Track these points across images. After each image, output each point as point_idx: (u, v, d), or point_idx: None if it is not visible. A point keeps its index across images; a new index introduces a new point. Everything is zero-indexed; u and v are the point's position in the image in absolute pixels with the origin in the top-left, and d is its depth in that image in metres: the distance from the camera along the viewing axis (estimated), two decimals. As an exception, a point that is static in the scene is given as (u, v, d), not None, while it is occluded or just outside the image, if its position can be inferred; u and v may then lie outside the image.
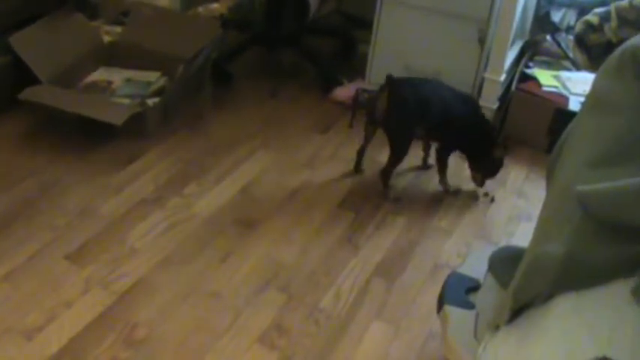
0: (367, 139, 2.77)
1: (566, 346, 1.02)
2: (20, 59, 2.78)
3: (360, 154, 2.82)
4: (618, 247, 1.06)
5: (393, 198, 2.69)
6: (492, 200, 2.74)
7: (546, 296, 1.09)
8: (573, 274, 1.07)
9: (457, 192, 2.77)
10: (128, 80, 3.05)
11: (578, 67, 3.11)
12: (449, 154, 2.76)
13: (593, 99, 1.33)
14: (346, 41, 3.67)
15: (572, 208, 1.12)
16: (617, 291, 1.03)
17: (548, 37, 3.33)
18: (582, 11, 3.11)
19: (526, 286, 1.15)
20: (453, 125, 2.68)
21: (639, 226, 1.04)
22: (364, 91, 3.04)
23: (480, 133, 2.73)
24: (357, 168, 2.83)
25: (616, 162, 1.15)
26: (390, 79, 2.61)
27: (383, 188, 2.70)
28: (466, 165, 2.80)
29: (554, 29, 3.30)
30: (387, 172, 2.69)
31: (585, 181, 1.13)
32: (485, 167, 2.73)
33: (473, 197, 2.75)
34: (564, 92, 3.05)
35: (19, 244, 2.23)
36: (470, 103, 2.79)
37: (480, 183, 2.76)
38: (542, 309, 1.09)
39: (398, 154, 2.68)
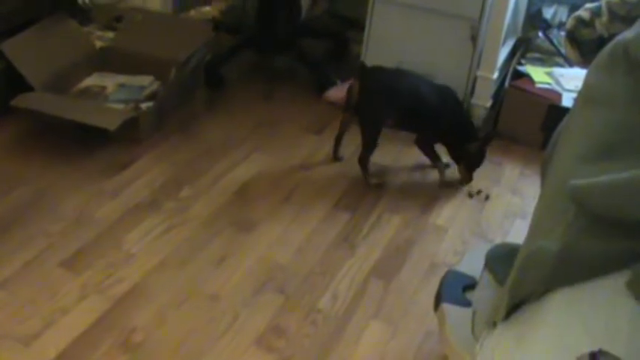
0: (342, 127, 2.83)
1: (563, 341, 1.02)
2: (13, 66, 2.78)
3: (337, 141, 2.86)
4: (612, 241, 1.06)
5: (374, 184, 2.74)
6: (487, 198, 2.74)
7: (542, 292, 1.09)
8: (568, 269, 1.07)
9: (451, 184, 2.78)
10: (121, 85, 3.05)
11: (570, 63, 3.12)
12: (428, 144, 2.81)
13: (585, 94, 1.34)
14: (338, 42, 3.68)
15: (566, 203, 1.12)
16: (612, 285, 1.03)
17: (540, 34, 3.34)
18: (573, 7, 3.11)
19: (521, 282, 1.15)
20: (426, 115, 2.71)
21: (633, 220, 1.05)
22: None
23: (455, 125, 2.75)
24: (335, 155, 2.88)
25: (609, 156, 1.15)
26: (361, 66, 2.70)
27: (363, 175, 2.74)
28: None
29: (545, 26, 3.30)
30: (362, 159, 2.74)
31: (579, 176, 1.13)
32: (464, 159, 2.76)
33: (468, 195, 2.75)
34: (557, 88, 3.06)
35: (14, 251, 2.22)
36: (446, 94, 2.81)
37: (466, 177, 2.77)
38: (538, 304, 1.09)
39: (368, 139, 2.72)
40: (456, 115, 2.79)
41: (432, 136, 2.80)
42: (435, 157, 2.81)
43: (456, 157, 2.79)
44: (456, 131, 2.75)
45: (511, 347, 1.11)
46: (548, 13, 3.31)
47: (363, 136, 2.73)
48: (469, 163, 2.77)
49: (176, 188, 2.60)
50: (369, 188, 2.72)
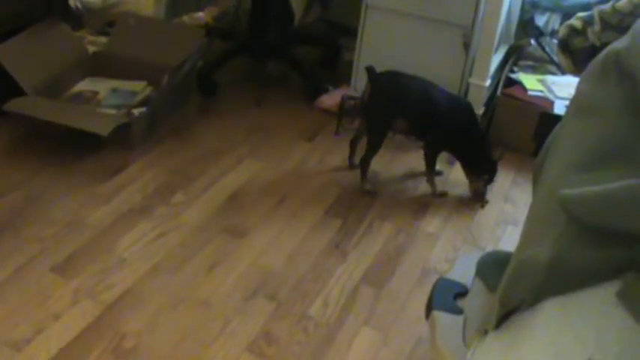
0: (358, 132, 2.86)
1: (554, 351, 1.02)
2: (5, 70, 2.78)
3: (352, 146, 2.87)
4: (603, 250, 1.06)
5: (367, 190, 2.75)
6: (483, 206, 2.73)
7: (533, 300, 1.09)
8: (559, 279, 1.07)
9: (443, 195, 2.78)
10: (114, 90, 3.04)
11: (562, 71, 3.12)
12: (435, 154, 2.78)
13: (577, 103, 1.34)
14: (331, 49, 3.68)
15: (557, 212, 1.12)
16: (603, 294, 1.03)
17: (533, 42, 3.34)
18: (566, 15, 3.12)
19: (512, 291, 1.15)
20: (438, 123, 2.70)
21: (623, 229, 1.05)
22: (350, 98, 3.06)
23: (471, 135, 2.73)
24: (350, 161, 2.89)
25: (600, 166, 1.15)
26: (369, 70, 2.69)
27: (360, 177, 2.75)
28: (455, 170, 2.81)
29: (538, 33, 3.31)
30: (364, 161, 2.75)
31: (569, 185, 1.14)
32: (484, 170, 2.74)
33: (460, 202, 2.76)
34: (549, 96, 3.06)
35: (5, 257, 2.22)
36: (460, 104, 2.80)
37: (482, 193, 2.75)
38: (529, 313, 1.09)
39: (373, 142, 2.73)
40: (468, 126, 2.75)
41: (439, 144, 2.78)
42: (431, 168, 2.78)
43: (472, 173, 2.76)
44: (468, 142, 2.73)
45: (502, 356, 1.11)
46: (540, 20, 3.32)
47: (368, 138, 2.75)
48: (488, 174, 2.75)
49: (168, 194, 2.60)
50: (361, 194, 2.72)
